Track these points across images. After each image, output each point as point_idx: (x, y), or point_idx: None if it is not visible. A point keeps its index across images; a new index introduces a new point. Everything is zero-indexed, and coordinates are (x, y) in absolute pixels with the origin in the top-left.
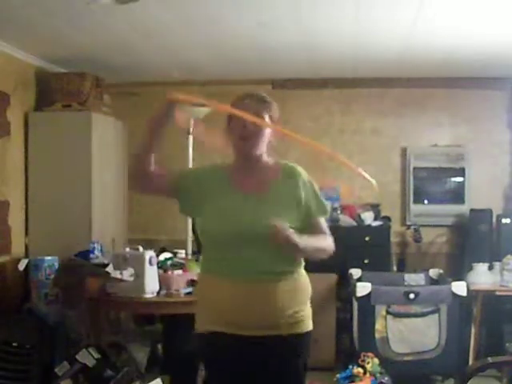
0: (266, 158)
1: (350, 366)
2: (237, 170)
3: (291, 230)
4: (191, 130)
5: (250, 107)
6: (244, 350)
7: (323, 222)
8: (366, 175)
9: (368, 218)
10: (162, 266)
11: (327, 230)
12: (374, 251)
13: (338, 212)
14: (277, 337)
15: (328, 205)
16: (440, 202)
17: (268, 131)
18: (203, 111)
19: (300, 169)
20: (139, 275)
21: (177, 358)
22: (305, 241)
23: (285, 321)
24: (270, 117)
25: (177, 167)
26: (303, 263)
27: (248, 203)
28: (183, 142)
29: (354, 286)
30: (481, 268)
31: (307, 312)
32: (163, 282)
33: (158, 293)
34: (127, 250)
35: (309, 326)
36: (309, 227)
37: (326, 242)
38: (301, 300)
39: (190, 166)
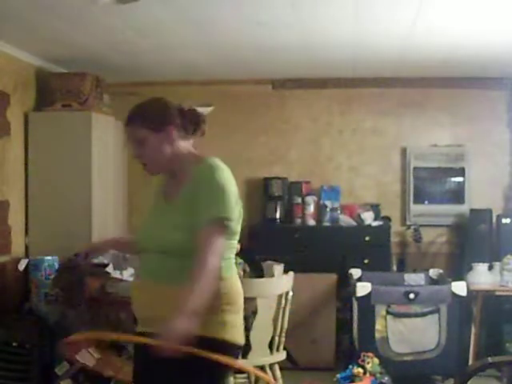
0: (188, 159)
1: (350, 366)
2: (167, 180)
3: (170, 337)
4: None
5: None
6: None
7: (206, 231)
8: None
9: (368, 217)
10: None
11: (209, 239)
12: (373, 251)
13: (338, 212)
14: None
15: (222, 208)
16: (440, 202)
17: (152, 143)
18: (203, 111)
19: (205, 168)
20: None
21: None
22: (184, 321)
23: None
24: (147, 125)
25: None
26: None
27: (160, 213)
28: None
29: (354, 285)
30: (481, 268)
31: (210, 318)
32: None
33: None
34: None
35: (206, 331)
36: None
37: (199, 284)
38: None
39: None
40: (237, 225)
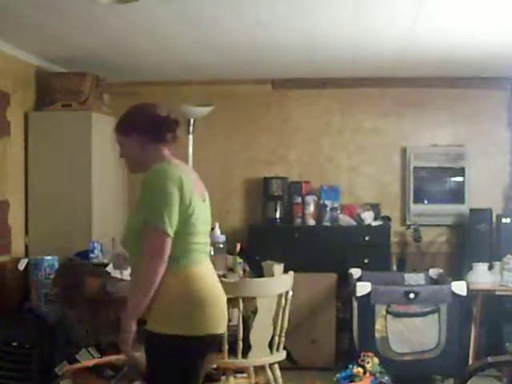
0: (154, 162)
1: (350, 366)
2: None
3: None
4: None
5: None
6: None
7: (145, 231)
8: None
9: (368, 217)
10: None
11: (145, 241)
12: (373, 251)
13: (338, 212)
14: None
15: (154, 210)
16: (440, 202)
17: (127, 146)
18: (203, 111)
19: (150, 171)
20: None
21: None
22: (126, 322)
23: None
24: (119, 131)
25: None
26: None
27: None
28: (183, 141)
29: (354, 285)
30: (481, 268)
31: (157, 312)
32: None
33: None
34: None
35: (153, 327)
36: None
37: (142, 276)
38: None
39: (190, 164)
40: (192, 222)
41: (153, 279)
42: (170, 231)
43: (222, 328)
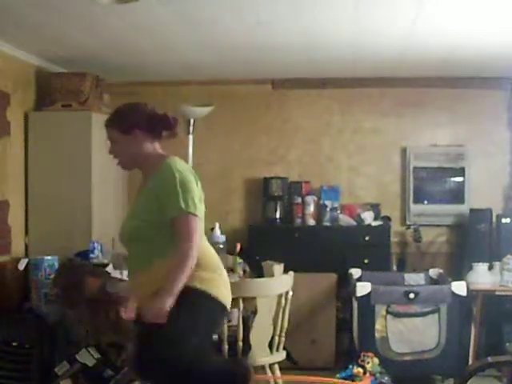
0: (153, 158)
1: (350, 366)
2: (142, 177)
3: (153, 308)
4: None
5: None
6: None
7: (180, 222)
8: None
9: (368, 217)
10: None
11: (183, 231)
12: (373, 251)
13: (338, 212)
14: None
15: (188, 203)
16: (440, 202)
17: (122, 143)
18: (203, 111)
19: (169, 164)
20: None
21: None
22: (165, 296)
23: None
24: (118, 128)
25: None
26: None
27: (133, 206)
28: (183, 141)
29: (354, 285)
30: (481, 268)
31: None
32: None
33: None
34: None
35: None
36: (171, 226)
37: (178, 264)
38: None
39: (190, 164)
40: (201, 206)
41: (191, 261)
42: (200, 214)
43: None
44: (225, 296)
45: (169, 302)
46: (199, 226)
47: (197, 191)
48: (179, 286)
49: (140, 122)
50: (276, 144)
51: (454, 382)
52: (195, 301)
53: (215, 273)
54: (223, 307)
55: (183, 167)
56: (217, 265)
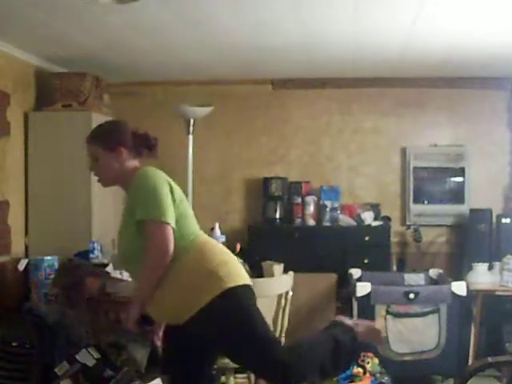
0: (132, 174)
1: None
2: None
3: (129, 315)
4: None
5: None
6: None
7: (149, 226)
8: None
9: (368, 217)
10: None
11: (151, 234)
12: (373, 251)
13: (338, 212)
14: None
15: (154, 208)
16: (440, 202)
17: (104, 160)
18: (203, 111)
19: (139, 174)
20: None
21: None
22: (129, 306)
23: None
24: (102, 145)
25: (177, 165)
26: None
27: (122, 226)
28: (183, 141)
29: (354, 285)
30: (480, 268)
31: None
32: None
33: None
34: None
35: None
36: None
37: (145, 266)
38: None
39: (190, 164)
40: (183, 208)
41: (153, 266)
42: (169, 220)
43: None
44: (247, 277)
45: (133, 312)
46: (165, 231)
47: (168, 197)
48: (143, 293)
49: (124, 139)
50: (276, 144)
51: (453, 382)
52: (238, 302)
53: (229, 262)
54: (250, 287)
55: (155, 175)
56: (226, 254)
